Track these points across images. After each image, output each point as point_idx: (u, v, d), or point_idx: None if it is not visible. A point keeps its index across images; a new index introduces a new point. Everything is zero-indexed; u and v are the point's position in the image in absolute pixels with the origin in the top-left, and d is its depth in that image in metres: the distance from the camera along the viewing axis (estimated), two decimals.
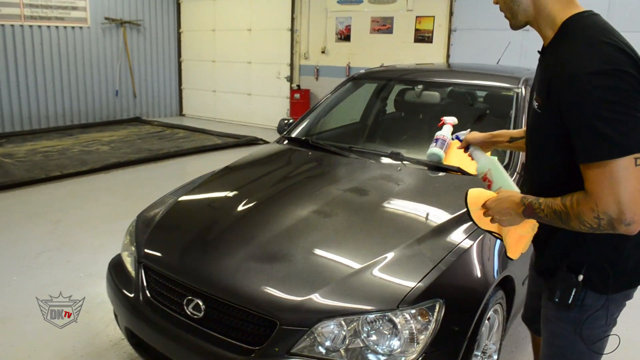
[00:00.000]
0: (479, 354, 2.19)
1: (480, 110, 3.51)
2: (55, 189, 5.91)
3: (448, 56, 8.21)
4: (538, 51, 1.56)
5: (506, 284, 2.35)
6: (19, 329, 3.03)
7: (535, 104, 1.45)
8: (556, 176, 1.50)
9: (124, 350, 2.86)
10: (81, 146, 7.99)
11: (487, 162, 1.85)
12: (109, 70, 10.34)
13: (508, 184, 1.77)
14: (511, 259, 1.69)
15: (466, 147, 1.99)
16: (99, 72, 10.18)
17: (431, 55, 8.31)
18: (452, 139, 2.11)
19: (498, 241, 2.24)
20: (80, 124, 9.85)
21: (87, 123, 9.96)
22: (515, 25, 1.52)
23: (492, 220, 1.61)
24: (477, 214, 1.68)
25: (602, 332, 1.56)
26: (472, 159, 1.98)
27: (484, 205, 1.63)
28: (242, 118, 10.93)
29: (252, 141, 8.83)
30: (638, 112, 1.25)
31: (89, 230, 4.60)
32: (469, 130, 2.02)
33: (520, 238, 1.62)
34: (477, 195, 1.70)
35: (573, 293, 1.49)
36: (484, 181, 1.83)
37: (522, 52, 7.40)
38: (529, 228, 1.58)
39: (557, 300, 1.52)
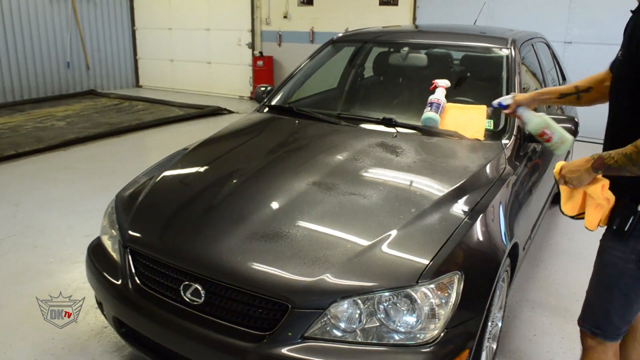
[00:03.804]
0: (489, 322, 2.13)
1: (465, 72, 3.40)
2: (12, 168, 5.54)
3: (414, 19, 8.07)
4: (631, 10, 1.61)
5: (511, 251, 2.28)
6: None
7: (619, 52, 1.60)
8: (629, 121, 1.59)
9: (108, 339, 2.68)
10: (34, 122, 7.53)
11: (540, 120, 2.13)
12: (58, 41, 9.74)
13: (564, 133, 2.13)
14: (590, 230, 1.74)
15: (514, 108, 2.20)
16: (48, 43, 9.57)
17: (397, 19, 8.14)
18: (495, 106, 2.27)
19: (502, 210, 2.17)
20: (31, 98, 9.30)
21: (39, 98, 9.40)
22: None
23: (565, 183, 1.73)
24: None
25: None
26: (522, 119, 2.18)
27: (560, 170, 1.75)
28: (203, 88, 10.57)
29: (216, 111, 8.55)
30: None
31: (53, 211, 4.32)
32: (512, 94, 2.18)
33: (596, 207, 1.68)
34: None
35: (630, 221, 1.59)
36: (542, 137, 2.15)
37: (489, 14, 7.35)
38: (599, 193, 1.66)
39: (615, 227, 1.63)
